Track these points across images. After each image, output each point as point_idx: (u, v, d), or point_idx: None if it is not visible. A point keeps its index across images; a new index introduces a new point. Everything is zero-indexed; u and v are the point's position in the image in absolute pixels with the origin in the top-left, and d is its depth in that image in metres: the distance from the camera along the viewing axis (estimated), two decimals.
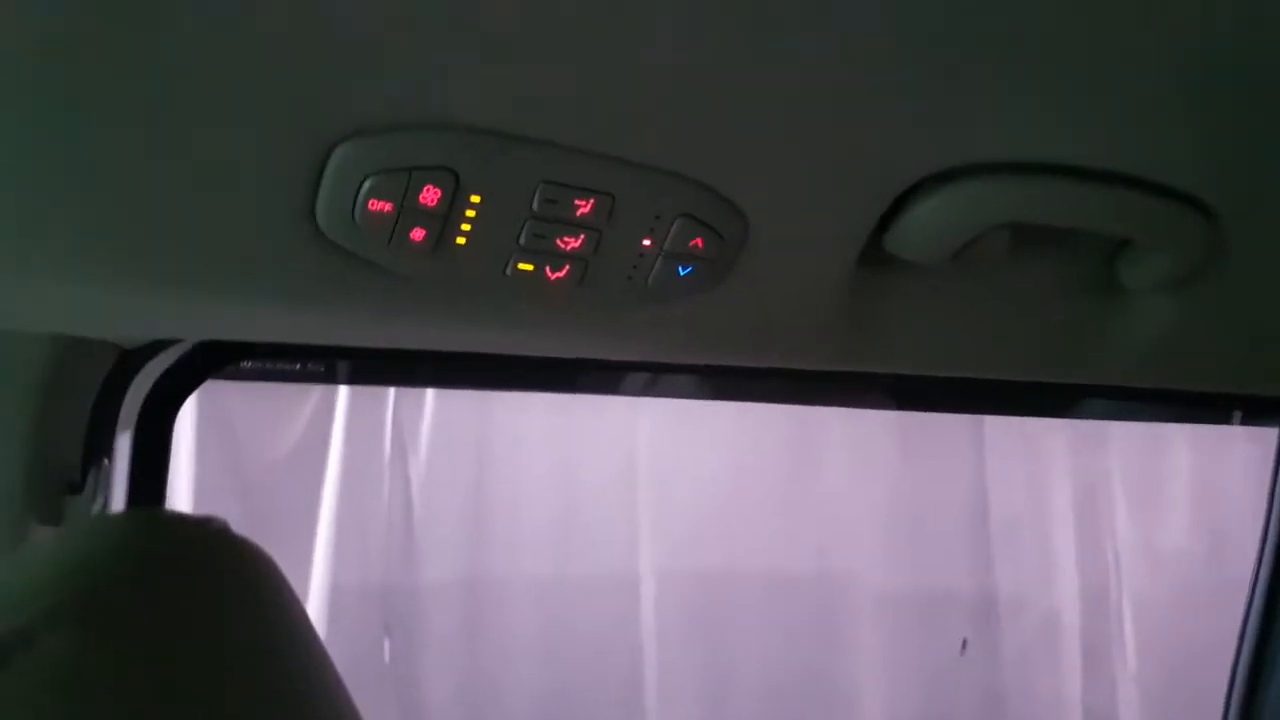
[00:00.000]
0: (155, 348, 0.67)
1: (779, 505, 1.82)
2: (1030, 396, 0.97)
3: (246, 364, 0.77)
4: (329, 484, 1.67)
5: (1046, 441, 1.92)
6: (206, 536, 0.44)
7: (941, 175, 0.50)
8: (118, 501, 0.68)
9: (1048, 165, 0.50)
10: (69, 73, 0.37)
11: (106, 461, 0.64)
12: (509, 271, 0.49)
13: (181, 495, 1.57)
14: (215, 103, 0.39)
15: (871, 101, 0.44)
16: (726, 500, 1.81)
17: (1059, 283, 0.63)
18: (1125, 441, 1.94)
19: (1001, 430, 1.88)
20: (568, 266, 0.50)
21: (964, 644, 1.89)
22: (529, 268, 0.49)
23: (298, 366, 0.80)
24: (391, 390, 1.69)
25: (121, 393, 0.67)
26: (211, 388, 1.58)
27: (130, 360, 0.66)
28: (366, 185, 0.43)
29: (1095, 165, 0.50)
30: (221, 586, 0.42)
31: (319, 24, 0.37)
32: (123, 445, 0.68)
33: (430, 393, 1.70)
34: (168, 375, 0.68)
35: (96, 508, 0.64)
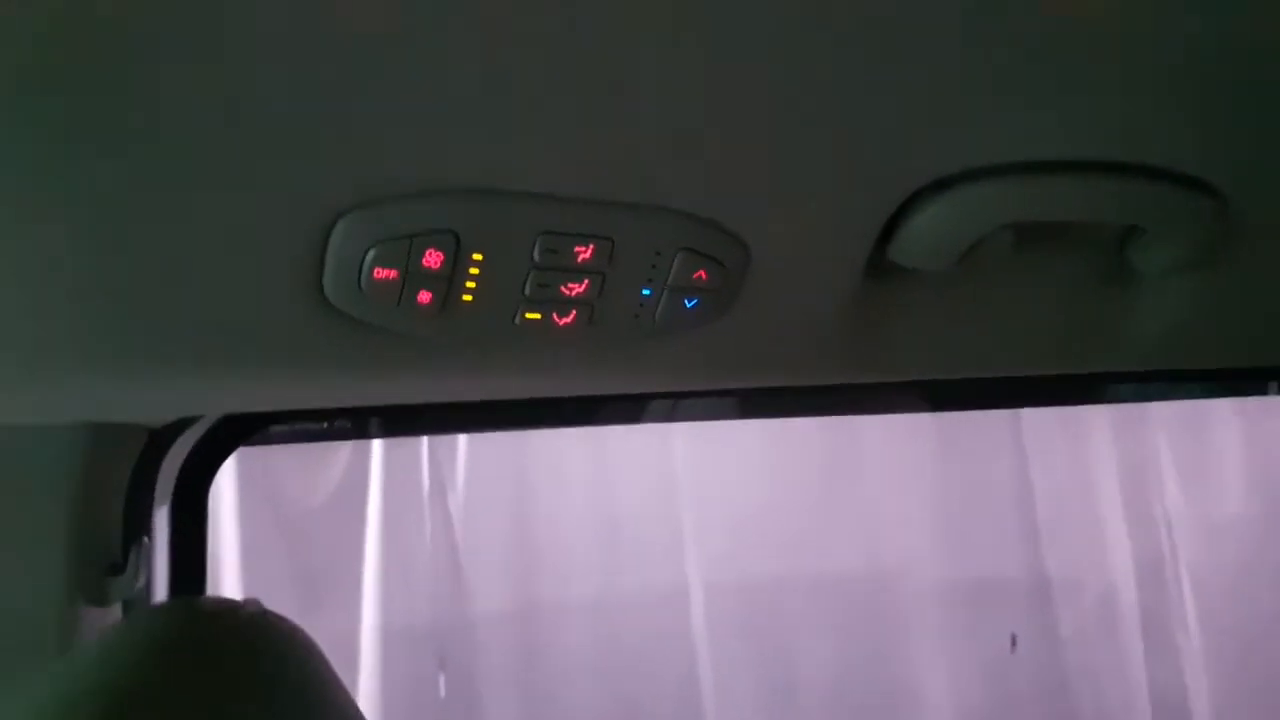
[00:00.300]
0: (181, 425, 0.68)
1: (821, 508, 1.81)
2: (1059, 386, 0.96)
3: (275, 428, 0.78)
4: (371, 527, 1.68)
5: (1087, 422, 1.90)
6: (242, 623, 0.44)
7: (941, 182, 0.50)
8: (160, 577, 0.70)
9: (1048, 162, 0.50)
10: (71, 170, 0.38)
11: (146, 539, 0.66)
12: (517, 321, 0.50)
13: (228, 555, 1.59)
14: (217, 185, 0.40)
15: (864, 115, 0.44)
16: (768, 507, 1.80)
17: (1070, 275, 0.63)
18: (1168, 415, 1.91)
19: (1039, 415, 1.86)
20: (574, 311, 0.50)
21: (1013, 641, 1.86)
22: (536, 316, 0.50)
23: (324, 425, 0.81)
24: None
25: (154, 471, 0.68)
26: (249, 449, 1.61)
27: (159, 439, 0.68)
28: (370, 255, 0.44)
29: (1096, 157, 0.50)
30: (258, 672, 0.43)
31: (316, 103, 0.38)
32: (161, 520, 0.69)
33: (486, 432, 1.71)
34: (197, 450, 0.69)
35: (140, 585, 0.65)
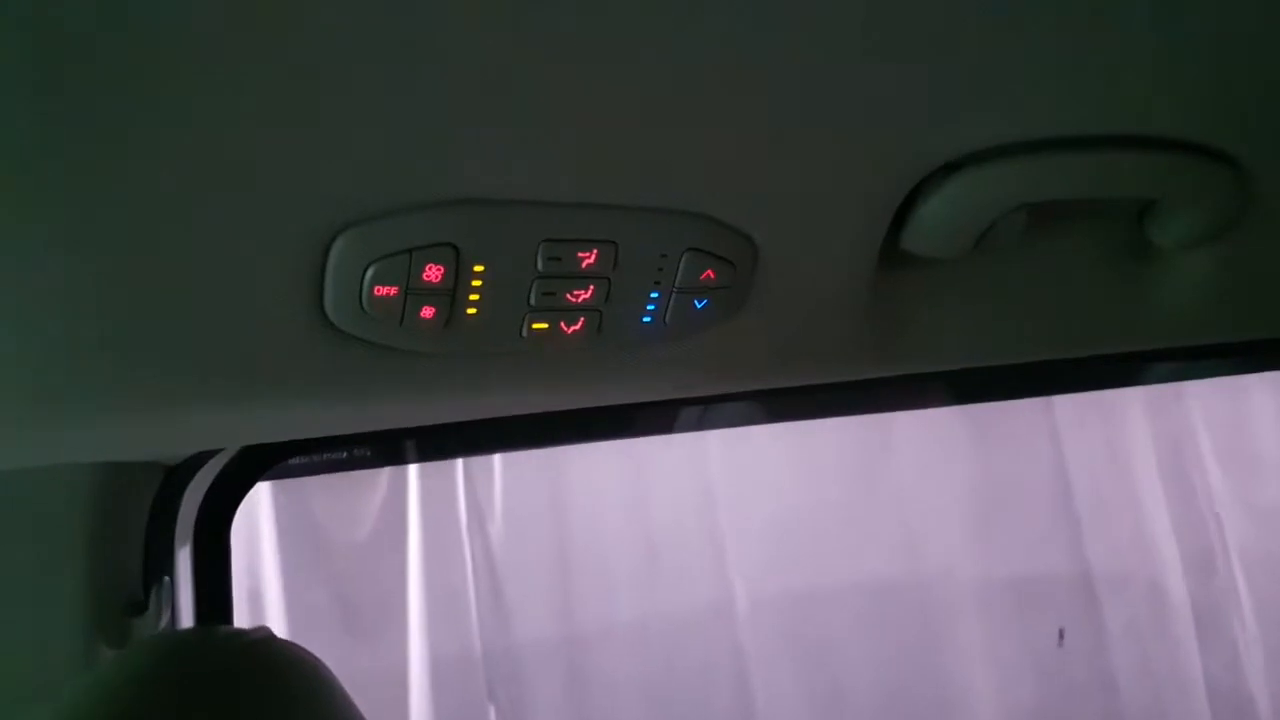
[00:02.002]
0: (199, 461, 0.68)
1: (859, 510, 1.79)
2: (1089, 370, 0.94)
3: (295, 460, 0.78)
4: (412, 558, 1.68)
5: (1121, 406, 1.87)
6: (248, 649, 0.44)
7: (950, 166, 0.49)
8: (185, 616, 0.70)
9: (1059, 139, 0.49)
10: (68, 207, 0.38)
11: (167, 579, 0.66)
12: (525, 333, 0.49)
13: (271, 594, 1.60)
14: (213, 212, 0.40)
15: (866, 101, 0.43)
16: (806, 513, 1.78)
17: (1089, 252, 0.61)
18: (1204, 394, 1.87)
19: (1072, 403, 1.83)
20: (582, 319, 0.50)
21: (1060, 635, 1.83)
22: (544, 326, 0.49)
23: (345, 455, 0.81)
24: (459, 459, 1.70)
25: (173, 509, 0.68)
26: (285, 481, 1.62)
27: (176, 477, 0.68)
28: (370, 273, 0.44)
29: (1108, 131, 0.49)
30: (264, 698, 0.43)
31: (307, 122, 0.38)
32: (183, 559, 0.69)
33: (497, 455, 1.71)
34: (216, 486, 0.69)
35: (163, 625, 0.65)
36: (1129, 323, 0.65)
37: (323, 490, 1.65)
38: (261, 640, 0.45)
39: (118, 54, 0.34)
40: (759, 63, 0.40)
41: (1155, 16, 0.42)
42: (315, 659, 0.46)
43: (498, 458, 1.71)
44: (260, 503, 1.62)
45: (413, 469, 1.68)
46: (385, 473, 1.68)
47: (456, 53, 0.37)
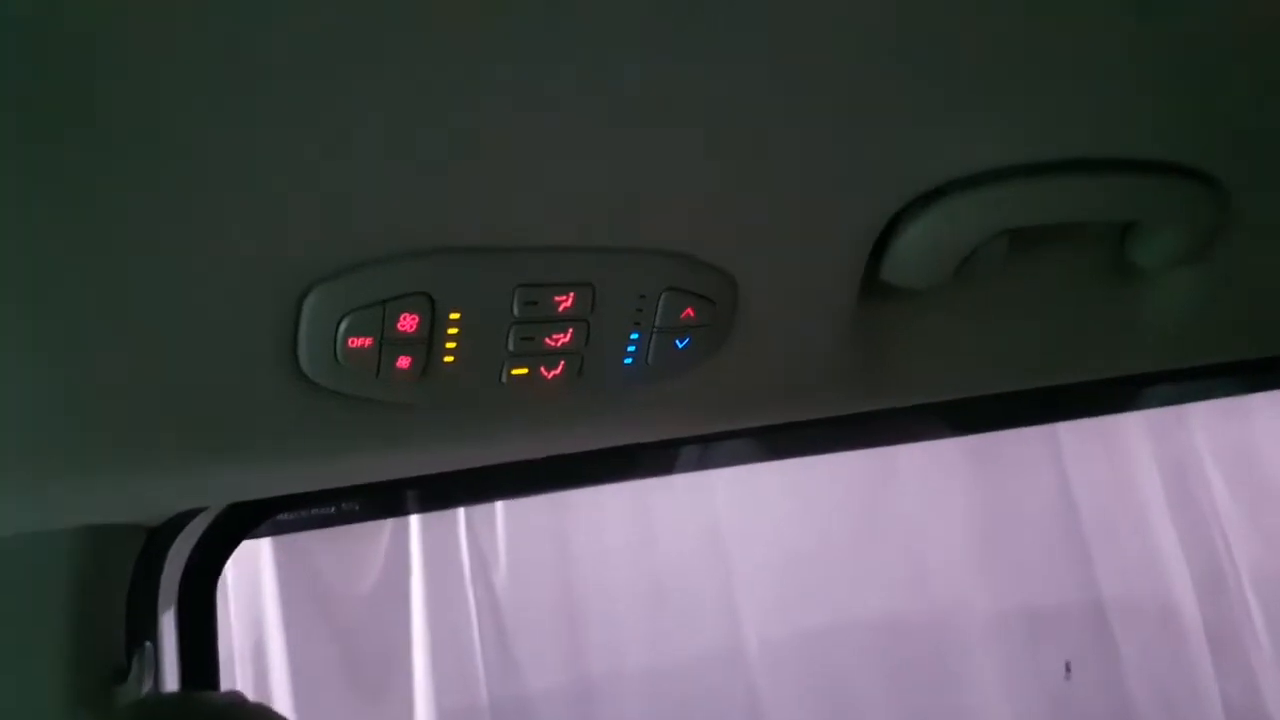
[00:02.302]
0: (181, 521, 0.67)
1: (866, 546, 1.78)
2: (1083, 396, 0.94)
3: (282, 517, 0.77)
4: (416, 610, 1.67)
5: (1124, 429, 1.86)
6: (216, 713, 0.43)
7: (928, 195, 0.49)
8: (171, 681, 0.68)
9: (1037, 164, 0.49)
10: (33, 267, 0.38)
11: (149, 644, 0.65)
12: (504, 379, 0.49)
13: (275, 652, 1.58)
14: (182, 269, 0.39)
15: (838, 132, 0.43)
16: (813, 550, 1.77)
17: (1070, 276, 0.61)
18: (1206, 414, 1.86)
19: (1075, 426, 1.82)
20: (562, 363, 0.49)
21: (1067, 668, 1.80)
22: (523, 371, 0.49)
23: (332, 510, 0.80)
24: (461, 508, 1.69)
25: (156, 572, 0.67)
26: (287, 536, 1.62)
27: (159, 538, 0.67)
28: (344, 325, 0.43)
29: (1086, 155, 0.49)
30: None
31: (275, 177, 0.37)
32: (168, 622, 0.68)
33: (499, 502, 1.71)
34: (200, 547, 0.68)
35: (145, 690, 0.64)
36: (1116, 346, 0.65)
37: (324, 544, 1.64)
38: (232, 705, 0.45)
39: (84, 115, 0.33)
40: (731, 100, 0.40)
41: (1131, 40, 0.42)
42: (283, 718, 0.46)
43: (499, 505, 1.71)
44: (262, 558, 1.61)
45: (414, 520, 1.67)
46: (387, 525, 1.67)
47: (422, 103, 0.36)
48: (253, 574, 1.61)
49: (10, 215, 0.36)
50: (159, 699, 0.45)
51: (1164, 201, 0.53)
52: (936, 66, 0.41)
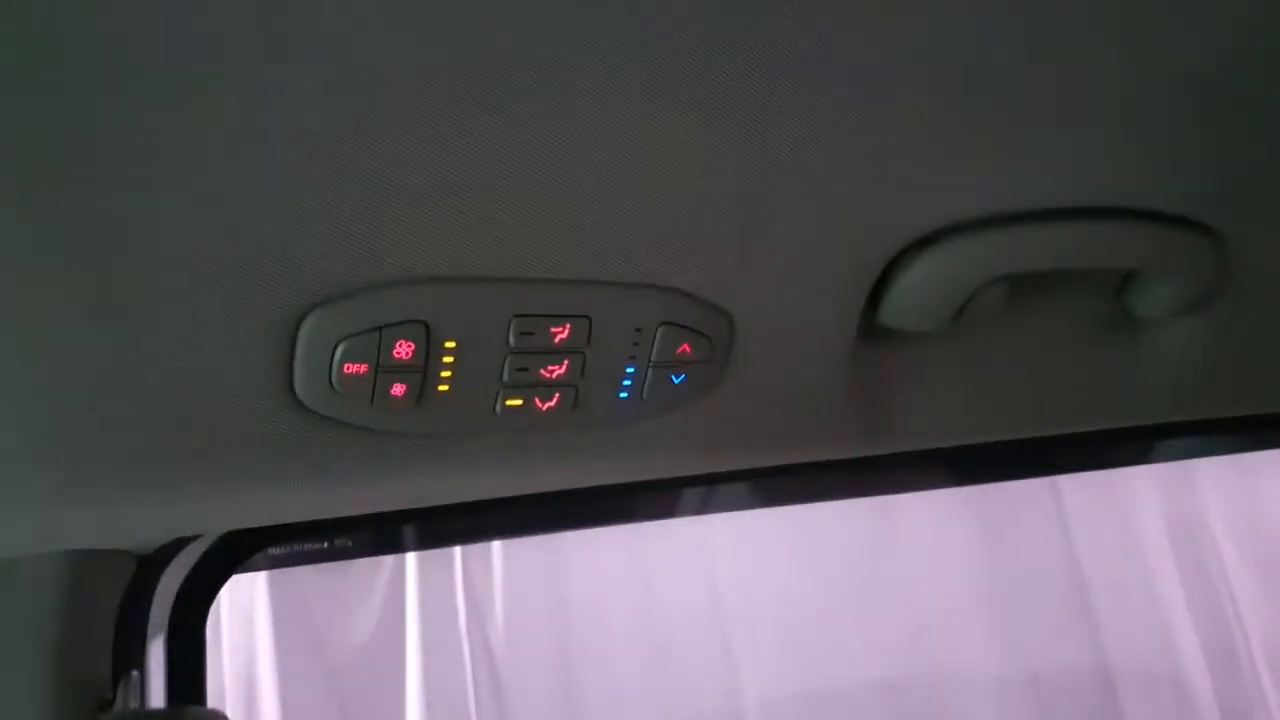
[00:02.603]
0: (171, 551, 0.67)
1: (869, 606, 1.75)
2: (1087, 449, 0.93)
3: (274, 550, 0.77)
4: (411, 661, 1.65)
5: (1129, 488, 1.84)
6: None
7: (926, 239, 0.49)
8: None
9: (1036, 211, 0.49)
10: (21, 292, 0.38)
11: (135, 673, 0.64)
12: (498, 410, 0.49)
13: (266, 697, 1.57)
14: (179, 293, 0.39)
15: (838, 175, 0.43)
16: (811, 608, 1.74)
17: (1070, 325, 0.61)
18: (1214, 474, 1.84)
19: (1079, 484, 1.80)
20: (557, 395, 0.49)
21: None
22: (518, 402, 0.49)
23: (324, 545, 0.80)
24: (458, 554, 1.68)
25: (146, 601, 0.67)
26: (283, 578, 1.61)
27: (149, 567, 0.66)
28: (339, 351, 0.44)
29: (1086, 203, 0.49)
30: None
31: (273, 205, 0.38)
32: (156, 653, 0.67)
33: (496, 550, 1.69)
34: (191, 577, 0.68)
35: None
36: (1115, 396, 0.64)
37: (319, 592, 1.63)
38: None
39: (78, 136, 0.34)
40: (729, 138, 0.40)
41: (1129, 88, 0.42)
42: None
43: (497, 556, 1.69)
44: (257, 607, 1.60)
45: (411, 568, 1.65)
46: (385, 573, 1.66)
47: (423, 133, 0.37)
48: (247, 619, 1.60)
49: (1, 230, 0.36)
50: (148, 716, 0.45)
51: (1162, 250, 0.53)
52: (935, 112, 0.41)
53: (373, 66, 0.34)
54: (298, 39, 0.33)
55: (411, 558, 1.67)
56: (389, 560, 1.67)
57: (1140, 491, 1.84)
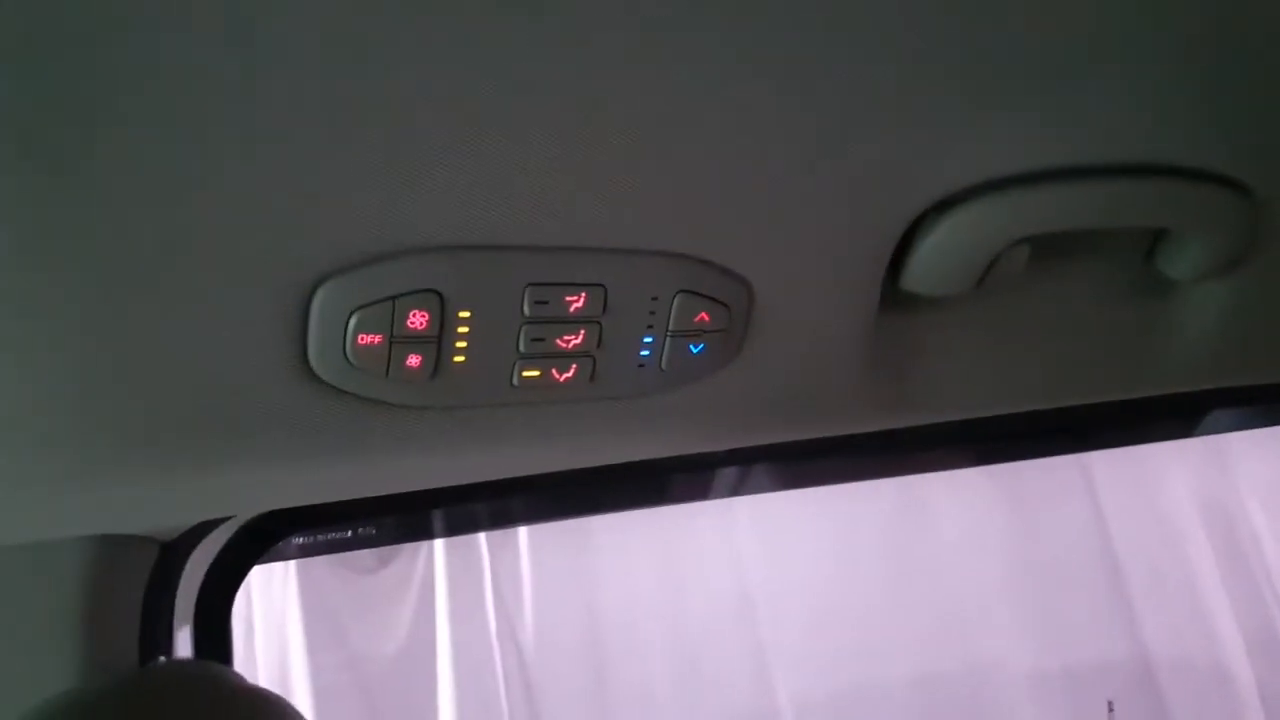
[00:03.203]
0: (195, 537, 0.67)
1: (899, 596, 1.74)
2: (1118, 424, 0.92)
3: (298, 540, 0.77)
4: (442, 666, 1.65)
5: (1163, 465, 1.81)
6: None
7: (947, 201, 0.48)
8: None
9: (1059, 170, 0.48)
10: (34, 270, 0.38)
11: (162, 659, 0.64)
12: (515, 381, 0.48)
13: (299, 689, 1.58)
14: (191, 265, 0.39)
15: (859, 139, 0.43)
16: (845, 602, 1.73)
17: (1098, 289, 0.60)
18: (1251, 450, 1.81)
19: (1111, 462, 1.78)
20: (574, 366, 0.49)
21: (1110, 707, 1.74)
22: (535, 374, 0.48)
23: (348, 534, 0.80)
24: (487, 561, 1.68)
25: (172, 588, 0.67)
26: (313, 581, 1.61)
27: (173, 553, 0.66)
28: (353, 321, 0.43)
29: (1113, 161, 0.48)
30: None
31: (284, 173, 0.37)
32: (183, 640, 0.68)
33: (525, 553, 1.69)
34: (216, 564, 0.68)
35: None
36: (1144, 363, 0.63)
37: (349, 593, 1.64)
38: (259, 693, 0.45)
39: (89, 110, 0.34)
40: (746, 102, 0.40)
41: (1160, 41, 0.42)
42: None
43: (525, 560, 1.69)
44: (289, 616, 1.60)
45: (440, 580, 1.66)
46: (415, 585, 1.66)
47: (436, 99, 0.37)
48: (280, 628, 1.60)
49: (11, 214, 0.36)
50: (178, 664, 0.46)
51: (1193, 209, 0.52)
52: (955, 68, 0.41)
53: (377, 33, 0.34)
54: (300, 5, 0.33)
55: (440, 568, 1.67)
56: (419, 569, 1.68)
57: (1172, 470, 1.81)
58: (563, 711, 1.68)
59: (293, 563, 1.59)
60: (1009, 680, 1.74)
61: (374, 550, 1.65)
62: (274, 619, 1.61)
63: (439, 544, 1.68)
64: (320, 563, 1.62)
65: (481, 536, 1.67)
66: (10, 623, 0.59)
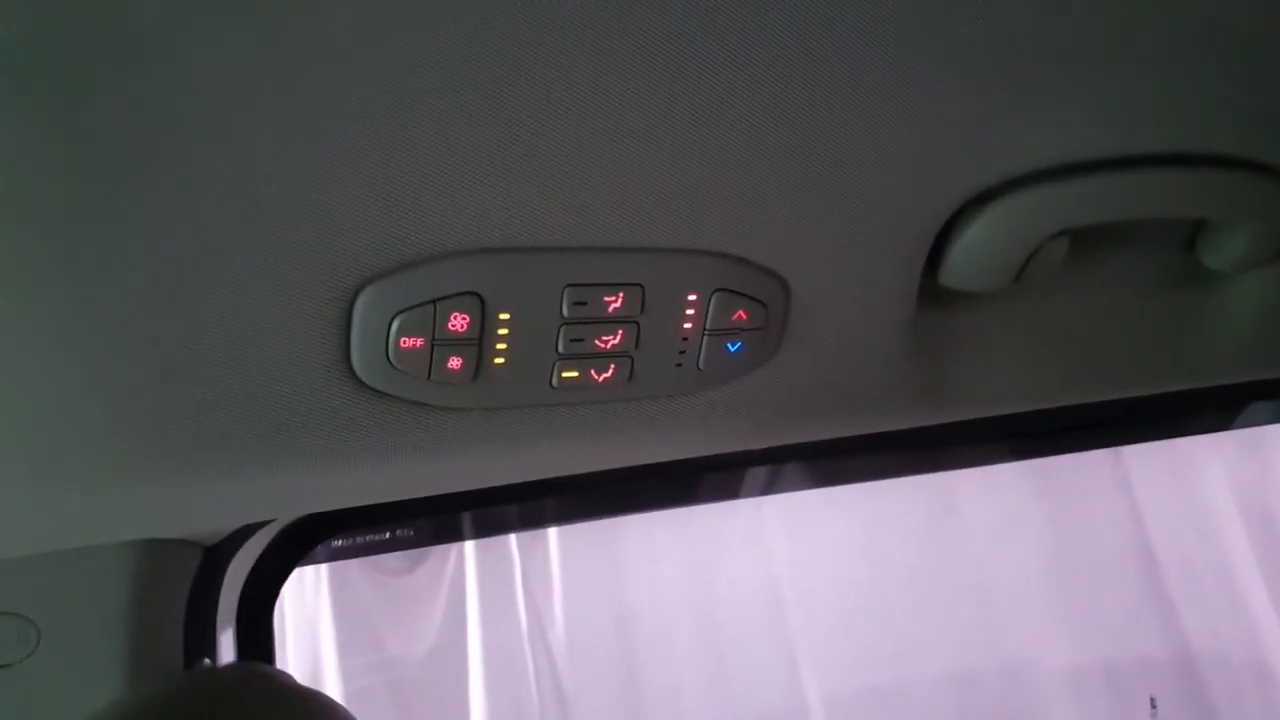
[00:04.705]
0: (237, 540, 0.68)
1: (932, 593, 1.73)
2: (1158, 416, 0.91)
3: (337, 543, 0.78)
4: (474, 671, 1.66)
5: (1199, 459, 1.79)
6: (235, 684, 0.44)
7: (985, 194, 0.48)
8: None
9: (1100, 161, 0.48)
10: (80, 276, 0.38)
11: (207, 661, 0.65)
12: (555, 382, 0.48)
13: (331, 691, 1.58)
14: (236, 271, 0.40)
15: (894, 134, 0.42)
16: (877, 600, 1.72)
17: (1140, 281, 0.59)
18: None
19: (1145, 455, 1.76)
20: (613, 366, 0.49)
21: (1153, 704, 1.72)
22: (574, 374, 0.48)
23: (387, 536, 0.80)
24: (518, 563, 1.68)
25: (215, 591, 0.67)
26: (344, 583, 1.62)
27: (216, 556, 0.67)
28: (395, 325, 0.44)
29: (1152, 151, 0.48)
30: None
31: (328, 178, 0.38)
32: (226, 643, 0.68)
33: (555, 553, 1.69)
34: (258, 568, 0.69)
35: None
36: (1187, 356, 0.62)
37: (380, 598, 1.64)
38: (261, 675, 0.46)
39: (135, 111, 0.34)
40: (781, 99, 0.40)
41: (1199, 29, 0.41)
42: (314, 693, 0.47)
43: (555, 561, 1.69)
44: (321, 622, 1.61)
45: (471, 581, 1.66)
46: (445, 586, 1.67)
47: (474, 104, 0.37)
48: (312, 631, 1.61)
49: (55, 215, 0.36)
50: (237, 666, 0.47)
51: (1234, 198, 0.51)
52: (992, 60, 0.40)
53: (416, 40, 0.34)
54: (337, 9, 0.33)
55: (471, 569, 1.68)
56: (449, 570, 1.68)
57: (1209, 463, 1.79)
58: (593, 711, 1.68)
59: (324, 566, 1.60)
60: (1046, 678, 1.72)
61: (405, 552, 1.66)
62: (306, 622, 1.62)
63: (469, 545, 1.69)
64: (352, 565, 1.63)
65: (511, 537, 1.68)
66: (58, 627, 0.59)
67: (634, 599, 1.71)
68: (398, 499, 0.57)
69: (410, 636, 1.67)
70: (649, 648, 1.69)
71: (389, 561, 1.67)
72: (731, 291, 0.48)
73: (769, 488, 0.81)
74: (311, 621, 1.62)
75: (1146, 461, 1.76)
